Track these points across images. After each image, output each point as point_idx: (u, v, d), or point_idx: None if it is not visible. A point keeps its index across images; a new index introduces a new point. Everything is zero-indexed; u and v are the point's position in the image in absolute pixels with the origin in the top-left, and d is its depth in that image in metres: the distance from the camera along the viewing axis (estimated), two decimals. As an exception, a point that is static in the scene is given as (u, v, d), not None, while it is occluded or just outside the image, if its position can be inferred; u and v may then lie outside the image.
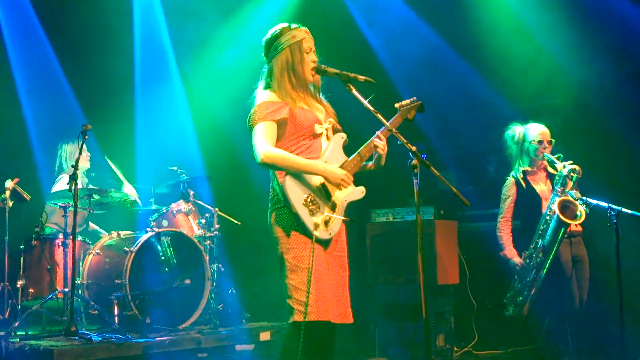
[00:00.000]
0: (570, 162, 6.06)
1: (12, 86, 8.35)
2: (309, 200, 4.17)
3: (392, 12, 8.85)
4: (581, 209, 5.94)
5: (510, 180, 6.40)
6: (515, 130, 6.41)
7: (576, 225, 6.09)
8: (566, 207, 6.00)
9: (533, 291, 6.17)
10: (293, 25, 4.39)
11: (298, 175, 4.19)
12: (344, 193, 4.32)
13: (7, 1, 8.48)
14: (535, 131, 6.29)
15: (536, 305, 6.24)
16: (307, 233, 4.17)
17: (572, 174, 6.01)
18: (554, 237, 6.01)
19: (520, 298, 6.23)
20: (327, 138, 4.40)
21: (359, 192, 4.39)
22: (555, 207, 5.96)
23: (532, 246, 6.16)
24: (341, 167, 4.30)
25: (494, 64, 8.31)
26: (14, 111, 8.23)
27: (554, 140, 6.30)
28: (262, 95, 4.32)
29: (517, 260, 6.24)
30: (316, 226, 4.16)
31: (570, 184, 6.03)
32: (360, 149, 4.37)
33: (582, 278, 6.14)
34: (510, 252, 6.31)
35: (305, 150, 4.29)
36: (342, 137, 4.41)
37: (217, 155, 8.80)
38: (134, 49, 9.07)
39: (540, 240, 6.09)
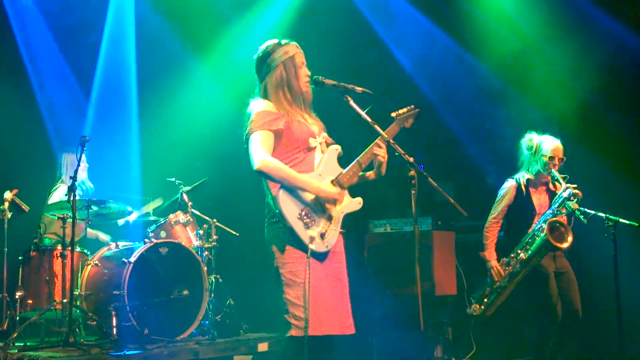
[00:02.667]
0: (575, 185, 6.07)
1: (12, 98, 8.35)
2: (303, 213, 4.17)
3: (393, 16, 8.87)
4: (569, 238, 5.96)
5: (511, 182, 6.37)
6: (533, 140, 6.39)
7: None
8: (555, 229, 6.02)
9: (501, 297, 6.22)
10: (283, 41, 4.40)
11: (292, 188, 4.20)
12: (340, 204, 4.32)
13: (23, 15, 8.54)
14: (550, 146, 6.27)
15: (524, 318, 6.27)
16: (302, 247, 4.15)
17: (572, 198, 6.02)
18: (535, 254, 6.04)
19: (487, 300, 6.26)
20: (321, 152, 4.39)
21: (356, 204, 4.39)
22: (545, 226, 5.98)
23: (512, 255, 6.19)
24: (337, 178, 4.29)
25: (494, 73, 8.34)
26: (13, 122, 8.23)
27: (565, 158, 6.29)
28: (260, 105, 4.31)
29: (494, 263, 6.28)
30: (312, 239, 4.14)
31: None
32: (359, 157, 4.36)
33: (570, 288, 6.13)
34: (490, 254, 6.33)
35: (298, 163, 4.29)
36: (336, 149, 4.41)
37: (215, 166, 8.81)
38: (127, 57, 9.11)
39: (522, 252, 6.11)
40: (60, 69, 8.77)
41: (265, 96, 4.36)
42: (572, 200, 6.02)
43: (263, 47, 4.41)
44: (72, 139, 7.59)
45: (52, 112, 8.62)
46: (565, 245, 5.96)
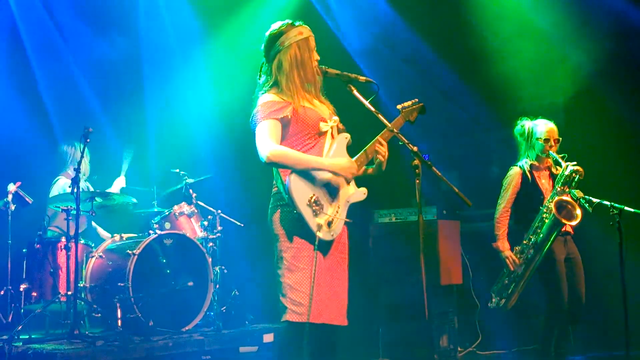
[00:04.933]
0: (574, 162, 6.04)
1: (13, 89, 8.34)
2: (312, 200, 4.14)
3: (390, 9, 8.84)
4: (578, 212, 5.92)
5: (516, 169, 6.31)
6: (524, 126, 6.35)
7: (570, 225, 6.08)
8: (563, 207, 5.98)
9: (520, 286, 6.19)
10: (297, 23, 4.36)
11: (303, 174, 4.16)
12: (346, 194, 4.31)
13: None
14: (543, 128, 6.24)
15: (531, 304, 6.26)
16: (309, 233, 4.14)
17: (573, 175, 5.99)
18: (547, 236, 5.99)
19: (507, 292, 6.24)
20: (332, 137, 4.37)
21: (361, 193, 4.37)
22: (552, 206, 5.95)
23: (525, 241, 6.14)
24: None
25: (497, 63, 8.30)
26: (15, 114, 8.22)
27: (560, 139, 6.26)
28: (264, 97, 4.28)
29: (508, 253, 6.22)
30: (319, 227, 4.13)
31: (572, 184, 6.02)
32: (366, 147, 4.34)
33: (577, 275, 6.11)
34: (503, 244, 6.28)
35: (310, 149, 4.26)
36: (345, 137, 4.39)
37: (219, 157, 8.80)
38: (137, 46, 9.08)
39: (533, 237, 6.07)
40: (63, 59, 8.73)
41: (279, 73, 4.30)
42: (574, 178, 5.99)
43: (276, 25, 4.36)
44: (76, 130, 7.58)
45: (55, 103, 8.59)
46: (575, 222, 5.93)
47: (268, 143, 4.14)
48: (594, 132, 7.61)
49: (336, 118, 4.41)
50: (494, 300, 6.35)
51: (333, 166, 4.20)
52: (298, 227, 4.17)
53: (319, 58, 4.38)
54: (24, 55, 8.52)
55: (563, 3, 7.83)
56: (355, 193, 4.35)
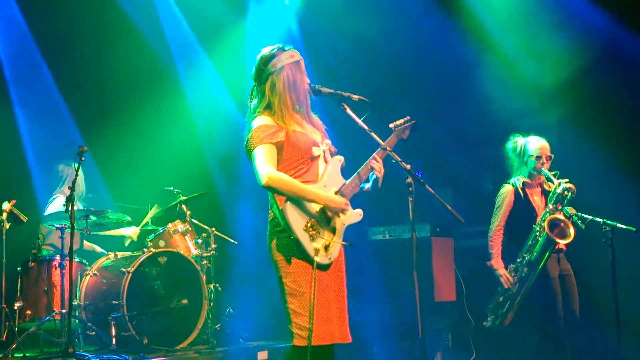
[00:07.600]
0: (566, 180, 6.07)
1: (9, 107, 8.34)
2: (309, 225, 4.15)
3: (387, 25, 8.87)
4: (571, 232, 5.95)
5: (508, 187, 6.34)
6: (517, 142, 6.39)
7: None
8: (556, 226, 6.01)
9: (515, 304, 6.21)
10: (287, 47, 4.40)
11: (298, 201, 4.19)
12: (342, 217, 4.32)
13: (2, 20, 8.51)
14: (535, 145, 6.27)
15: (526, 321, 6.28)
16: (307, 258, 4.14)
17: (566, 192, 6.02)
18: (541, 254, 6.02)
19: (502, 310, 6.26)
20: (325, 160, 4.39)
21: (357, 215, 4.37)
22: (545, 225, 5.98)
23: (519, 259, 6.18)
24: (340, 190, 4.28)
25: (491, 79, 8.34)
26: (10, 132, 8.22)
27: (552, 155, 6.29)
28: (257, 120, 4.29)
29: (502, 272, 6.25)
30: (316, 251, 4.14)
31: (564, 202, 6.05)
32: (359, 170, 4.35)
33: (571, 291, 6.15)
34: (497, 263, 6.30)
35: (303, 173, 4.27)
36: (339, 159, 4.40)
37: (213, 175, 8.81)
38: (130, 67, 9.08)
39: (527, 255, 6.10)
40: (46, 80, 8.75)
41: (272, 96, 4.31)
42: (566, 196, 6.02)
43: (267, 49, 4.38)
44: (69, 148, 7.58)
45: (48, 122, 8.59)
46: (568, 240, 5.96)
47: (266, 168, 4.14)
48: (587, 148, 7.65)
49: (328, 141, 4.42)
50: (489, 319, 6.37)
51: (329, 201, 4.19)
52: (296, 252, 4.17)
53: (309, 81, 4.40)
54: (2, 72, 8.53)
55: (555, 20, 7.90)
56: (351, 215, 4.35)
